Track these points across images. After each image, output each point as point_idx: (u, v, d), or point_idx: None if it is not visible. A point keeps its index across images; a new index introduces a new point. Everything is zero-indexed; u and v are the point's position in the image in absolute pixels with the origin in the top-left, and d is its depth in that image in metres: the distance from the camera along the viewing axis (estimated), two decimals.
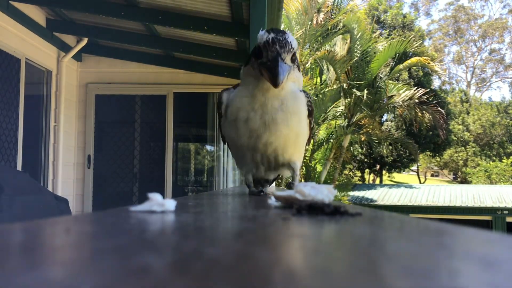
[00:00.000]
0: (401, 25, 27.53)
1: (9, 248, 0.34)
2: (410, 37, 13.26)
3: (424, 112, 12.34)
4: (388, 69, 12.49)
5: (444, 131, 13.26)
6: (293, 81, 1.17)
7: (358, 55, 11.86)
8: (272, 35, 1.08)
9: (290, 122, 1.16)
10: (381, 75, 12.25)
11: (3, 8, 4.20)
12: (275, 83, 1.04)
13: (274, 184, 1.64)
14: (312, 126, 1.29)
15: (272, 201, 0.78)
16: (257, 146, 1.18)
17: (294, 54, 1.13)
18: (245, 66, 1.20)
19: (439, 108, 12.71)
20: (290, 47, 1.09)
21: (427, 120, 12.53)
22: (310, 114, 1.25)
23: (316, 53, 11.59)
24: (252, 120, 1.15)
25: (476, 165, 28.32)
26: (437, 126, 12.85)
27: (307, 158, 12.55)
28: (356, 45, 11.88)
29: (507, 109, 32.10)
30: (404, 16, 28.66)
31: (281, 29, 1.18)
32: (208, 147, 6.52)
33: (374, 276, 0.27)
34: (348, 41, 12.26)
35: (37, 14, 4.87)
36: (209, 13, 4.25)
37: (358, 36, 11.76)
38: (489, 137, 30.18)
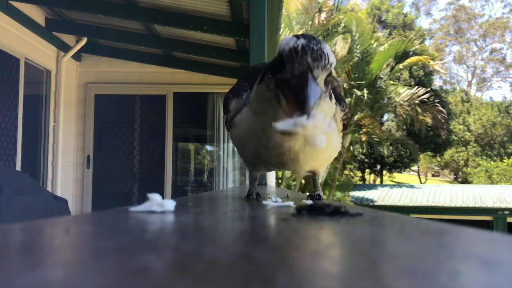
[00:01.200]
0: (402, 24, 27.56)
1: (8, 248, 0.34)
2: (410, 37, 13.28)
3: (425, 112, 12.35)
4: (388, 69, 12.50)
5: (445, 131, 13.27)
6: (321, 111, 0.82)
7: (359, 55, 11.88)
8: (302, 41, 0.76)
9: (315, 158, 0.95)
10: (381, 75, 12.26)
11: (3, 8, 4.20)
12: (304, 112, 0.70)
13: (274, 184, 1.62)
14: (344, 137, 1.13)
15: (272, 201, 0.77)
16: (271, 162, 0.98)
17: (330, 74, 0.79)
18: (258, 83, 0.89)
19: (440, 108, 12.72)
20: (326, 62, 0.76)
21: (428, 119, 12.54)
22: (345, 127, 1.04)
23: None
24: (265, 156, 0.94)
25: (477, 165, 28.32)
26: (438, 126, 12.86)
27: None
28: (356, 45, 11.89)
29: (508, 109, 32.09)
30: (405, 16, 28.69)
31: (313, 35, 0.84)
32: (208, 147, 6.52)
33: (374, 277, 0.26)
34: (349, 40, 12.27)
35: (36, 14, 4.87)
36: (209, 12, 4.25)
37: (358, 36, 11.78)
38: (490, 137, 30.18)
